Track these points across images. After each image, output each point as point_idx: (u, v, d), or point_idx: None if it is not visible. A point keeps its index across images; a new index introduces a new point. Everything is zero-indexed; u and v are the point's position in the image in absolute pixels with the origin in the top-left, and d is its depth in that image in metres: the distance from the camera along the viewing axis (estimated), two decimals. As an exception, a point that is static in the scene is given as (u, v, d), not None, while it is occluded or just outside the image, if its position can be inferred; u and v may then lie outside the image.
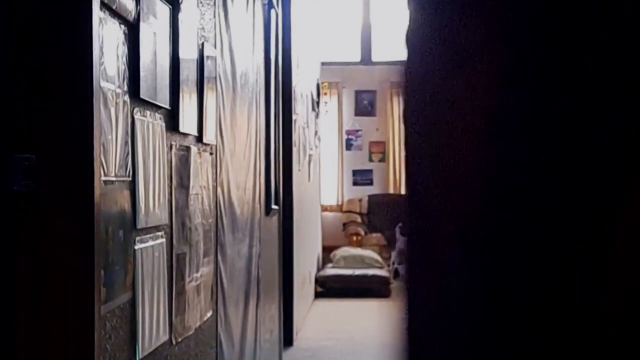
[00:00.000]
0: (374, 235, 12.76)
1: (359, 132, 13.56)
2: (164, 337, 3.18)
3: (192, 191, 3.63)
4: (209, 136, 3.95)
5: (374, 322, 8.17)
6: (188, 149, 3.59)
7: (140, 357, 2.88)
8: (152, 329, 3.01)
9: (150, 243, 3.02)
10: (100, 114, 2.47)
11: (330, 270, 11.12)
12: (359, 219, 13.16)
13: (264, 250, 5.90)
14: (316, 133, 10.97)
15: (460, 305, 1.11)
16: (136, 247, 2.84)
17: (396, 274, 10.94)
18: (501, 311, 1.10)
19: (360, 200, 13.31)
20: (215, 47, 4.09)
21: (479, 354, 1.12)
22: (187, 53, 3.53)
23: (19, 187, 2.34)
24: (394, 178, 13.45)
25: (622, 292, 1.06)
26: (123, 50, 2.73)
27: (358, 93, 13.55)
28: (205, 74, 3.86)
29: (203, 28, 3.86)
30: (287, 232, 7.61)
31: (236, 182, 4.73)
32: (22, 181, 2.34)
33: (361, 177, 13.57)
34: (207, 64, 3.89)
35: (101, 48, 2.49)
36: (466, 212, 1.09)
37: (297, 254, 8.18)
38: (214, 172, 4.13)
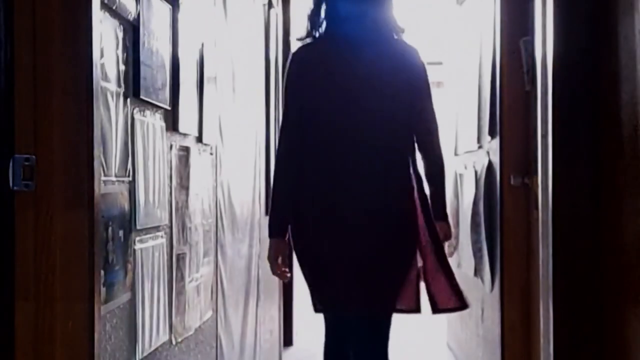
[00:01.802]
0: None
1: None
2: (164, 337, 3.18)
3: (192, 191, 3.63)
4: (209, 136, 3.95)
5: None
6: (188, 149, 3.58)
7: (140, 357, 2.88)
8: (152, 329, 3.01)
9: (150, 243, 3.02)
10: (100, 114, 2.47)
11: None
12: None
13: (263, 250, 5.89)
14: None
15: None
16: (136, 247, 2.84)
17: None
18: None
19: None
20: (215, 47, 4.09)
21: None
22: (187, 53, 3.53)
23: (19, 187, 2.34)
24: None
25: None
26: (123, 50, 2.73)
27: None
28: (205, 74, 3.85)
29: (203, 28, 3.86)
30: (287, 232, 7.56)
31: (236, 182, 4.73)
32: (22, 181, 2.34)
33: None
34: (207, 64, 3.89)
35: (101, 48, 2.49)
36: None
37: (297, 254, 8.14)
38: (214, 172, 4.12)
